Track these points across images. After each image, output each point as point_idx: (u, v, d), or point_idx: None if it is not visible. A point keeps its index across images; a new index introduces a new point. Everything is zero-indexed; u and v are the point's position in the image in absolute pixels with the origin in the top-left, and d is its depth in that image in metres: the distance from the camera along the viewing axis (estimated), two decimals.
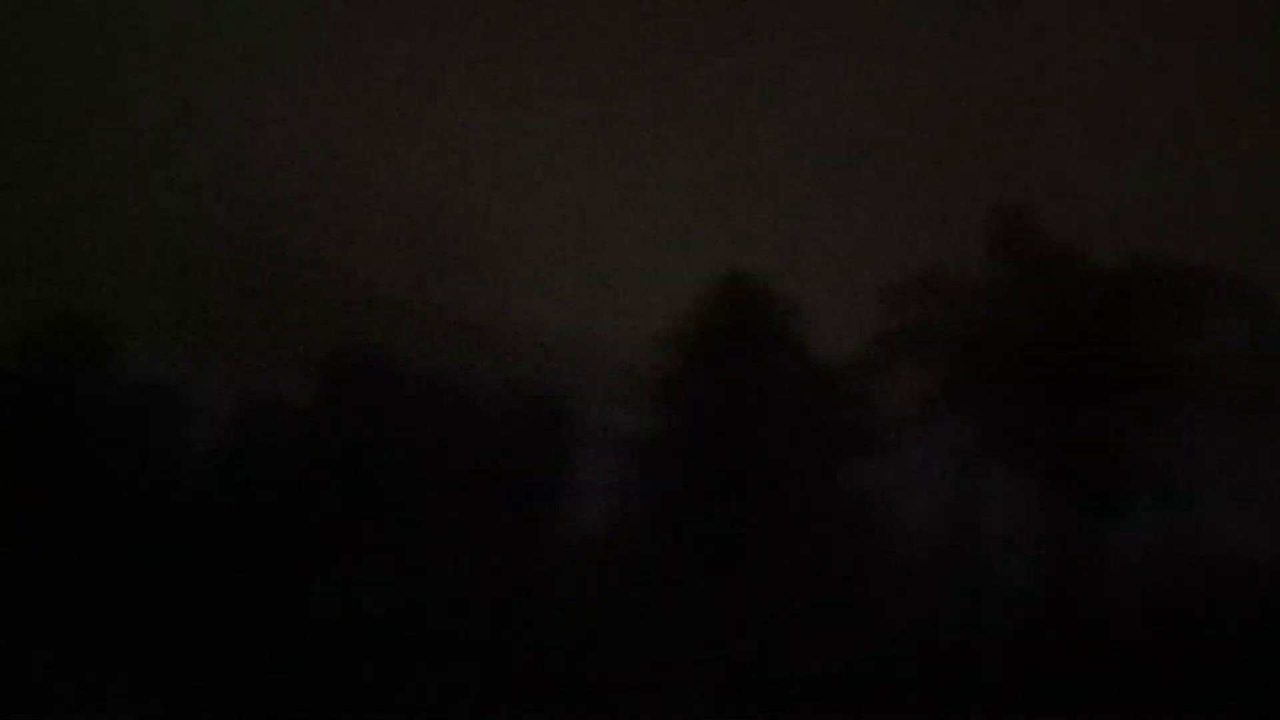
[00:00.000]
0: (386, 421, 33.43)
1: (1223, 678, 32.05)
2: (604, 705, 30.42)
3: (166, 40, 46.25)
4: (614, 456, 34.37)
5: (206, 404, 33.54)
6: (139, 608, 30.90)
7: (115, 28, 46.65)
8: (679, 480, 34.23)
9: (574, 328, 38.73)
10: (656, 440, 34.49)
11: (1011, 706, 31.03)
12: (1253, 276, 32.44)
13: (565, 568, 32.88)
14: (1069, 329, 32.25)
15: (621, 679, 30.66)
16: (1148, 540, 32.68)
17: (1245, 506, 33.41)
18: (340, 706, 30.62)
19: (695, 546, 33.16)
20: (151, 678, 30.66)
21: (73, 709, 30.32)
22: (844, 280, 34.72)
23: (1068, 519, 32.19)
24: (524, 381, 34.73)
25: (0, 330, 33.59)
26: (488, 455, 33.90)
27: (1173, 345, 32.43)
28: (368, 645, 30.90)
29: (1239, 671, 32.35)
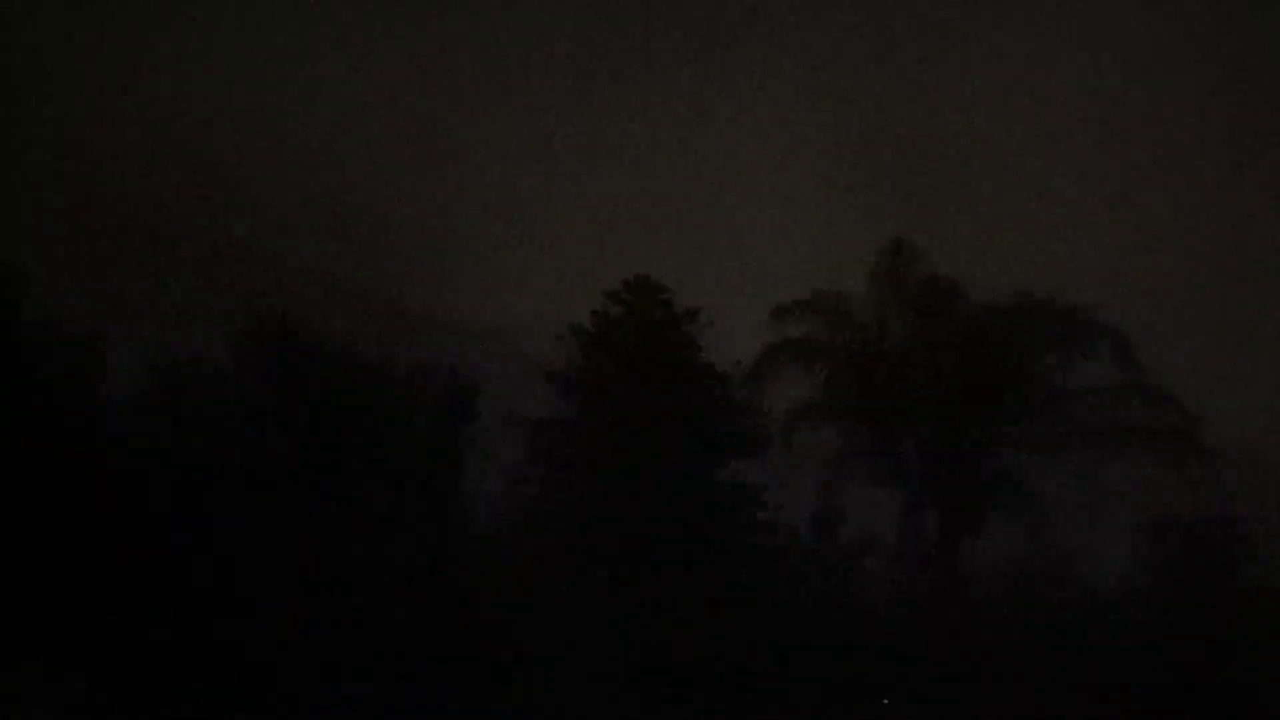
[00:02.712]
0: (296, 389, 32.79)
1: (1063, 685, 32.89)
2: (503, 675, 30.42)
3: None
4: (518, 439, 34.40)
5: (122, 357, 32.69)
6: (48, 560, 29.79)
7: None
8: (577, 464, 34.35)
9: (490, 316, 38.90)
10: (559, 426, 34.59)
11: (866, 700, 31.61)
12: (1117, 321, 33.41)
13: (465, 545, 32.78)
14: (944, 353, 32.92)
15: (518, 652, 30.70)
16: (1003, 552, 33.47)
17: (1096, 528, 34.33)
18: (248, 664, 29.85)
19: (587, 531, 33.30)
20: (61, 631, 29.61)
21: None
22: (744, 293, 35.20)
23: (930, 528, 32.85)
24: (437, 362, 34.57)
25: None
26: (395, 430, 33.55)
27: (1040, 376, 33.24)
28: (272, 611, 30.19)
29: (1079, 679, 33.23)
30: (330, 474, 32.11)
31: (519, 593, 31.86)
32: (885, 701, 31.61)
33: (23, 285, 31.52)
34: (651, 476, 33.51)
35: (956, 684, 31.78)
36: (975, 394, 32.54)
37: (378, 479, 32.51)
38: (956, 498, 32.40)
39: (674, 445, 33.73)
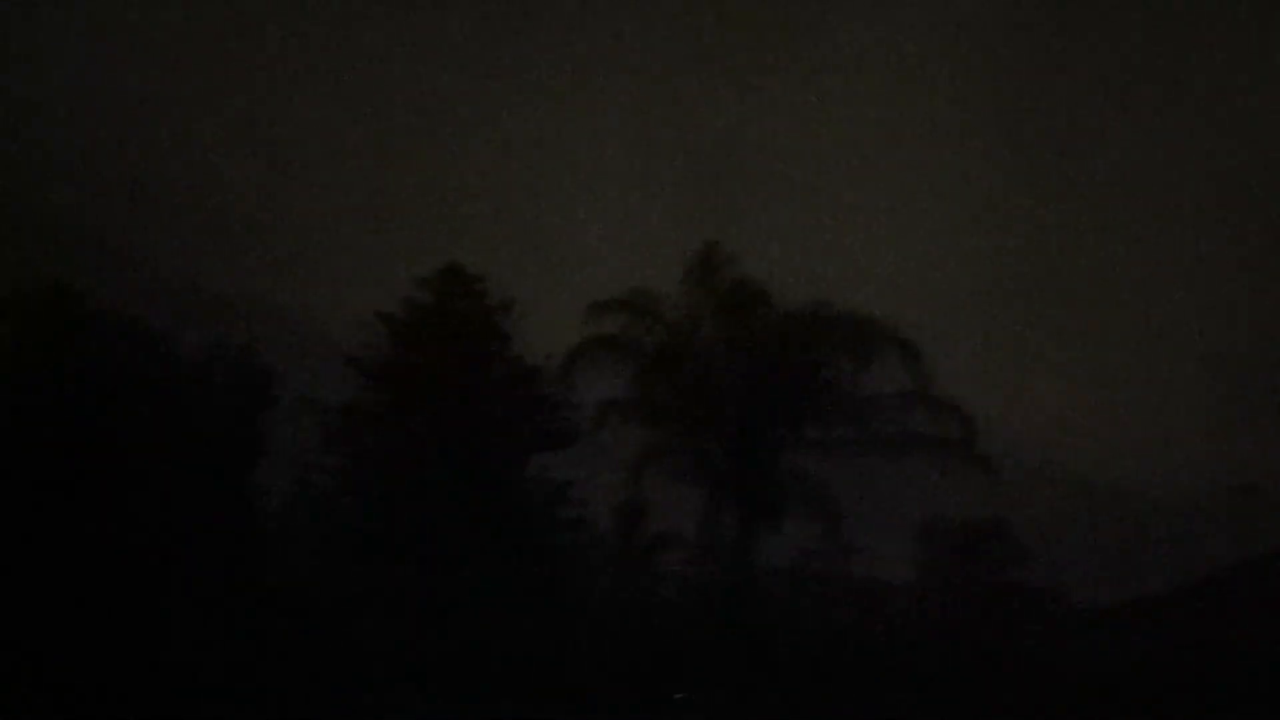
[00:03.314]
0: (76, 363, 31.35)
1: (843, 674, 34.11)
2: (295, 668, 29.78)
3: None
4: (316, 425, 33.75)
5: None
6: None
7: None
8: (377, 454, 33.86)
9: (292, 298, 38.07)
10: (359, 413, 34.05)
11: (661, 684, 32.19)
12: (908, 331, 34.70)
13: (259, 533, 32.01)
14: (749, 356, 33.68)
15: (310, 644, 30.11)
16: (795, 550, 34.50)
17: (881, 527, 35.69)
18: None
19: (385, 523, 32.91)
20: None
21: None
22: (560, 288, 35.29)
23: (728, 524, 33.58)
24: (231, 343, 33.64)
25: None
26: (186, 411, 32.44)
27: (835, 381, 34.31)
28: (48, 601, 28.78)
29: (857, 668, 34.49)
30: (115, 453, 30.93)
31: (313, 584, 31.26)
32: (678, 696, 32.18)
33: None
34: (455, 468, 33.32)
35: (747, 675, 32.60)
36: (776, 396, 33.38)
37: (167, 460, 31.43)
38: (755, 495, 33.17)
39: (480, 437, 33.61)
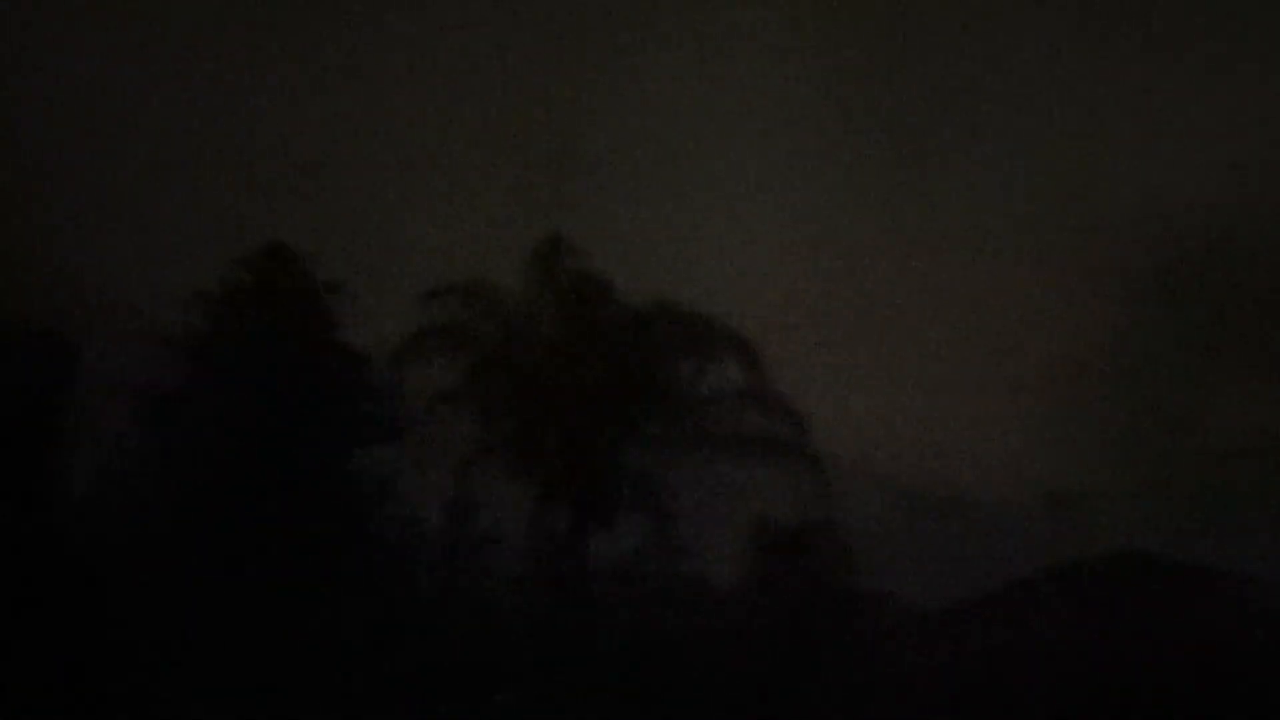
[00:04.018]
0: None
1: (665, 676, 33.73)
2: (94, 670, 28.06)
3: None
4: (128, 410, 32.08)
5: None
6: None
7: None
8: (190, 441, 32.25)
9: (98, 275, 36.01)
10: (174, 398, 32.43)
11: (482, 686, 31.40)
12: (747, 333, 34.52)
13: (64, 518, 30.18)
14: (586, 351, 33.10)
15: (110, 643, 28.42)
16: (627, 551, 33.99)
17: (712, 528, 35.34)
18: None
19: (202, 511, 31.33)
20: None
21: None
22: (394, 273, 34.13)
23: (560, 524, 32.92)
24: (35, 323, 31.75)
25: None
26: None
27: (675, 380, 33.93)
28: None
29: (680, 672, 34.16)
30: None
31: (114, 581, 29.67)
32: (498, 697, 31.38)
33: None
34: (272, 457, 31.90)
35: (571, 676, 31.98)
36: (613, 393, 32.85)
37: None
38: (587, 493, 32.57)
39: (301, 426, 32.22)
